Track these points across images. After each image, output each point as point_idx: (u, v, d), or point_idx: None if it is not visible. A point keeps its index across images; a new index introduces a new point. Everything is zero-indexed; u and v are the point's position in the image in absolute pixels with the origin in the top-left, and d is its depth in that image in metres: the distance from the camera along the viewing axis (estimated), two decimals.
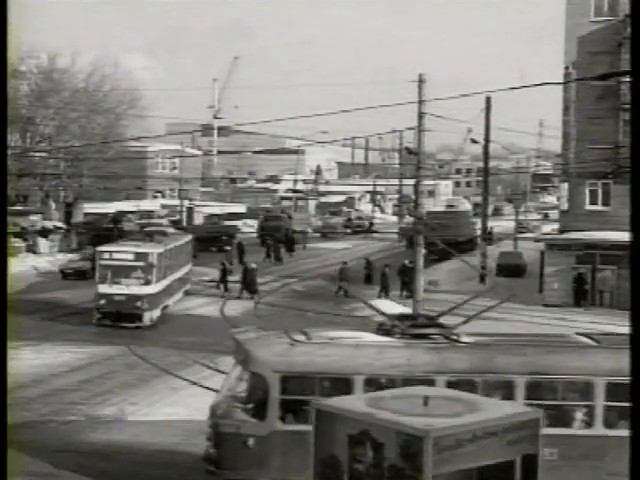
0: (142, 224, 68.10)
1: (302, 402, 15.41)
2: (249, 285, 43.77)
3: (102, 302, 35.92)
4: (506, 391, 15.60)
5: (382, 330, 17.09)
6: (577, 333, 18.35)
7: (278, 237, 64.23)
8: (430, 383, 15.35)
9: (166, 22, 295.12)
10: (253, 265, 45.62)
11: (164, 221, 71.49)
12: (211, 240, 63.03)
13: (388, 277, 44.98)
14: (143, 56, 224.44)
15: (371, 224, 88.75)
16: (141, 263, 36.24)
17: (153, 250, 37.14)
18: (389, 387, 15.52)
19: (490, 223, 57.69)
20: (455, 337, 16.71)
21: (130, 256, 36.45)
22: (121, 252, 36.81)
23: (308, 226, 76.72)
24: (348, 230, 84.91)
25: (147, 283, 36.13)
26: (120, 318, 35.53)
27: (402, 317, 18.03)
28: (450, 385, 15.38)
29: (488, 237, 72.40)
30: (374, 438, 8.47)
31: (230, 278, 45.23)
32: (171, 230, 56.45)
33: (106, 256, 36.68)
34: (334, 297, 44.08)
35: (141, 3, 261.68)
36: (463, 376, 15.61)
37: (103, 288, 35.95)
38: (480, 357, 16.08)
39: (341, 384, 15.47)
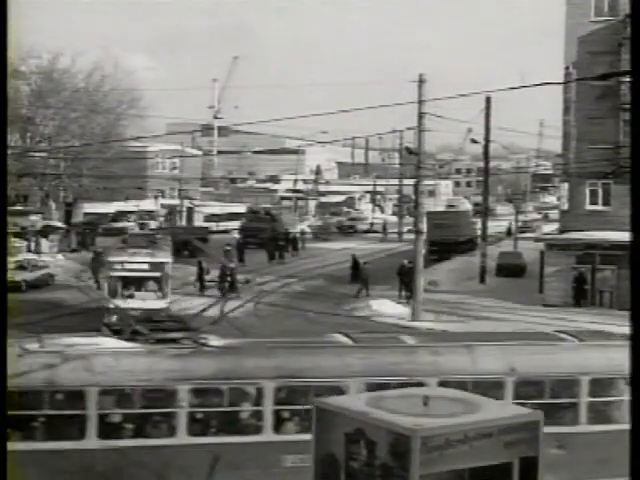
0: (108, 228, 67.43)
1: (32, 418, 14.42)
2: (230, 284, 43.57)
3: (114, 319, 31.52)
4: (255, 397, 14.87)
5: (116, 331, 16.09)
6: (340, 332, 17.53)
7: (272, 237, 63.19)
8: (171, 393, 14.57)
9: (166, 22, 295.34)
10: (232, 264, 45.58)
11: (131, 224, 70.40)
12: (182, 244, 56.86)
13: (407, 275, 42.01)
14: (144, 56, 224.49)
15: (372, 224, 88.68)
16: (157, 274, 32.72)
17: (168, 259, 33.94)
18: (131, 397, 14.70)
19: (490, 223, 57.39)
20: (203, 341, 15.79)
21: (145, 266, 32.75)
22: (135, 262, 32.74)
23: (294, 227, 75.89)
24: (341, 231, 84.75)
25: (164, 296, 32.59)
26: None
27: (147, 320, 16.96)
28: (196, 394, 14.62)
29: (507, 234, 72.92)
30: (368, 437, 8.47)
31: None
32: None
33: (117, 266, 32.63)
34: (334, 297, 44.04)
35: (142, 3, 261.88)
36: (208, 383, 14.76)
37: (115, 303, 31.79)
38: (227, 362, 15.15)
39: (75, 397, 14.44)
